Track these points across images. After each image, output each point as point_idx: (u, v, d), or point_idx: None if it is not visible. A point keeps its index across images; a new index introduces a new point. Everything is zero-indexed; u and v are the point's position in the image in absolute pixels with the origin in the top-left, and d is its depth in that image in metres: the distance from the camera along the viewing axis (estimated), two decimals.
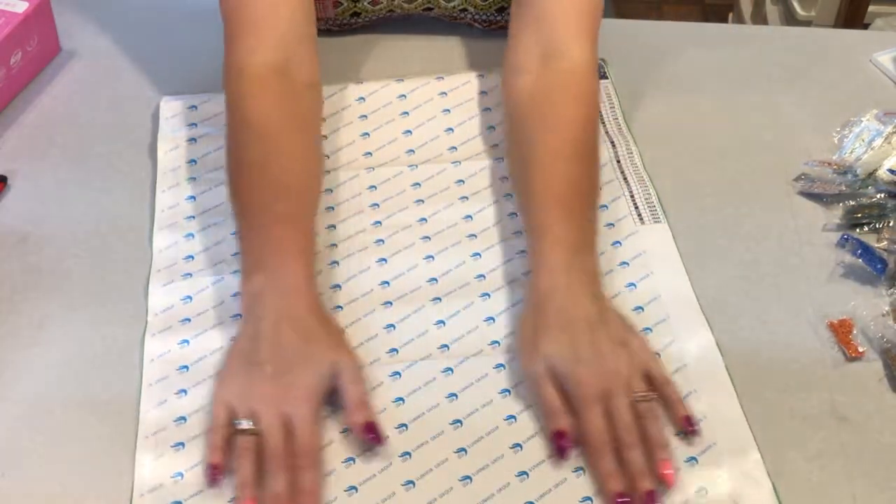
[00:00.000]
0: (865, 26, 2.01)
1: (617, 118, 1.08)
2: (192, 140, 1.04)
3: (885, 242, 0.94)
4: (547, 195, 0.89)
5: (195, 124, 1.06)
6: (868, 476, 0.79)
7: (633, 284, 0.91)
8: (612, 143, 1.05)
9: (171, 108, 1.07)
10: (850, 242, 0.94)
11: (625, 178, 1.01)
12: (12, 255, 0.94)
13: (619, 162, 1.03)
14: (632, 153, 1.04)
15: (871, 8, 2.02)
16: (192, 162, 1.02)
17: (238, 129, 0.93)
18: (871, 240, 0.94)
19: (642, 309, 0.89)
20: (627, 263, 0.92)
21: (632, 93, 1.11)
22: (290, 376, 0.79)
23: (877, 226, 0.96)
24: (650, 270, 0.92)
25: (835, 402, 0.83)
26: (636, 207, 0.97)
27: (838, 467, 0.79)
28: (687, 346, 0.87)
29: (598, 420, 0.79)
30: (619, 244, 0.94)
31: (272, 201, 0.88)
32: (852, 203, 0.97)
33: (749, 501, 0.77)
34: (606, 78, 1.12)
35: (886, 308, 0.90)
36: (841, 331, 0.88)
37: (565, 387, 0.81)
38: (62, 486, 0.78)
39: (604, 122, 1.07)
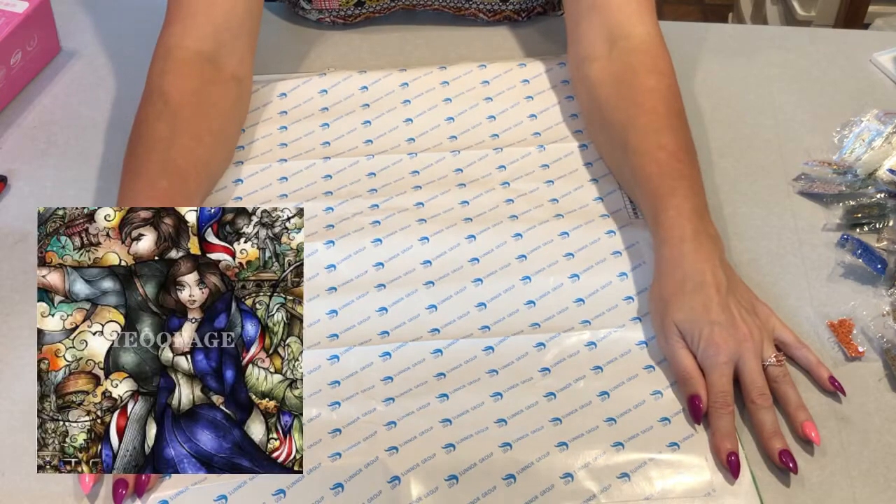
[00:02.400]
0: (865, 26, 2.01)
1: None
2: None
3: (885, 242, 0.94)
4: (655, 170, 0.91)
5: None
6: (868, 476, 0.79)
7: (624, 274, 0.91)
8: None
9: None
10: (850, 242, 0.94)
11: None
12: (12, 255, 0.94)
13: None
14: None
15: (871, 8, 2.02)
16: None
17: (150, 101, 0.95)
18: (871, 240, 0.94)
19: (632, 299, 0.89)
20: (620, 253, 0.92)
21: None
22: None
23: (877, 226, 0.96)
24: (643, 260, 0.92)
25: (835, 402, 0.83)
26: (631, 202, 0.97)
27: (838, 467, 0.79)
28: None
29: (724, 380, 0.80)
30: (612, 233, 0.94)
31: (159, 177, 0.89)
32: (852, 203, 0.97)
33: (727, 491, 0.77)
34: None
35: (886, 308, 0.90)
36: (841, 331, 0.88)
37: (695, 349, 0.82)
38: (62, 485, 0.78)
39: None
